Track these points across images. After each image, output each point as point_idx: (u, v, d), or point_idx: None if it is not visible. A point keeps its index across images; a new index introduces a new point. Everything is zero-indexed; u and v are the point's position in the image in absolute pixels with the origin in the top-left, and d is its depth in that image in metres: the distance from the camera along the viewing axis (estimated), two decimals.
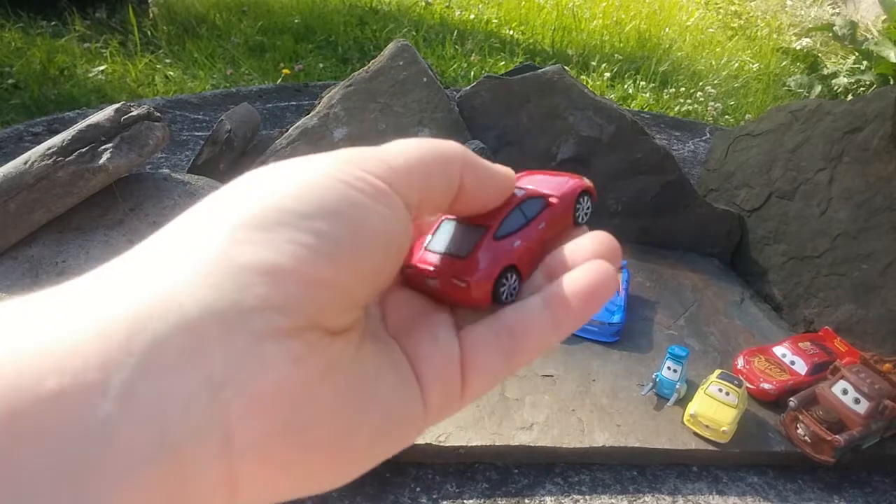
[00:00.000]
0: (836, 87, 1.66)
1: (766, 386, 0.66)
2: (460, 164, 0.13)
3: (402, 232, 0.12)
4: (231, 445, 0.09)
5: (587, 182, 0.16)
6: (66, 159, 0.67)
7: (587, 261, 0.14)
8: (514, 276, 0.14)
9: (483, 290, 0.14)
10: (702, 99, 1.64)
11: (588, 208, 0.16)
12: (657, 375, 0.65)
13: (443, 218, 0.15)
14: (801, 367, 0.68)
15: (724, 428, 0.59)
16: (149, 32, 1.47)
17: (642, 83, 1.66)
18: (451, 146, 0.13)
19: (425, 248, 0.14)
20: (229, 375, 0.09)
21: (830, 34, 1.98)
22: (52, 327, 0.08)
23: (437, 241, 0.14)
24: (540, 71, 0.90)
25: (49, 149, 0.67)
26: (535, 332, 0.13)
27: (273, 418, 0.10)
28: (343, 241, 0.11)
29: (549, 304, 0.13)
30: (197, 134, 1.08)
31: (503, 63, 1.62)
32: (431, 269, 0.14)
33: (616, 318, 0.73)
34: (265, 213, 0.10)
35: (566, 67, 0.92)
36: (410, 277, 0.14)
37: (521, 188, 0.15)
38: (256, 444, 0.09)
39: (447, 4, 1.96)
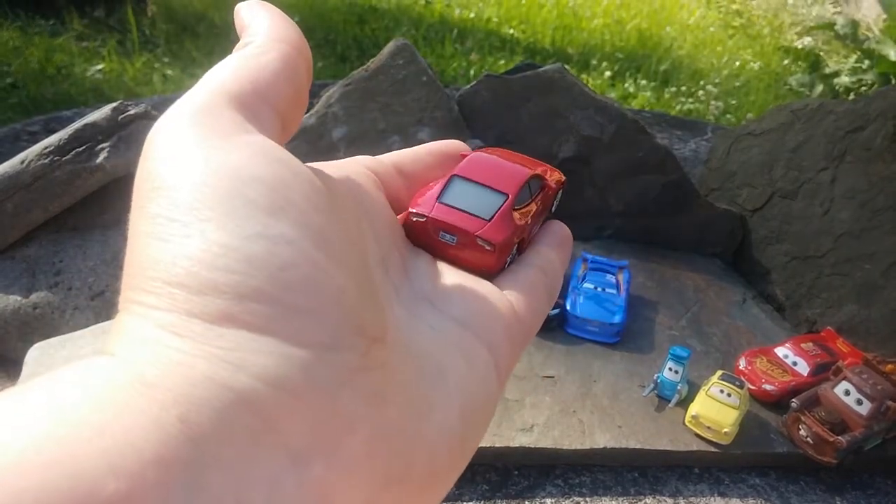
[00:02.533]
0: (837, 87, 1.65)
1: (768, 387, 0.66)
2: (307, 69, 0.12)
3: (361, 183, 0.12)
4: None
5: (560, 175, 0.17)
6: (64, 159, 0.66)
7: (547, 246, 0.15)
8: (516, 250, 0.14)
9: (503, 256, 0.13)
10: (703, 98, 1.63)
11: (557, 200, 0.16)
12: (658, 376, 0.65)
13: (453, 174, 0.14)
14: (803, 368, 0.68)
15: (725, 429, 0.59)
16: (147, 31, 1.46)
17: (643, 82, 1.66)
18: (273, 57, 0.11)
19: (438, 201, 0.14)
20: (313, 446, 0.08)
21: (832, 33, 1.97)
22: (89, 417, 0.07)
23: (452, 197, 0.14)
24: (540, 70, 0.90)
25: (46, 148, 0.67)
26: (556, 261, 0.15)
27: (372, 477, 0.08)
28: (311, 231, 0.09)
29: (542, 245, 0.15)
30: None
31: (503, 62, 1.61)
32: (454, 223, 0.13)
33: (617, 319, 0.72)
34: (225, 250, 0.08)
35: (566, 66, 0.92)
36: (417, 228, 0.13)
37: (521, 166, 0.15)
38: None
39: (447, 3, 1.96)
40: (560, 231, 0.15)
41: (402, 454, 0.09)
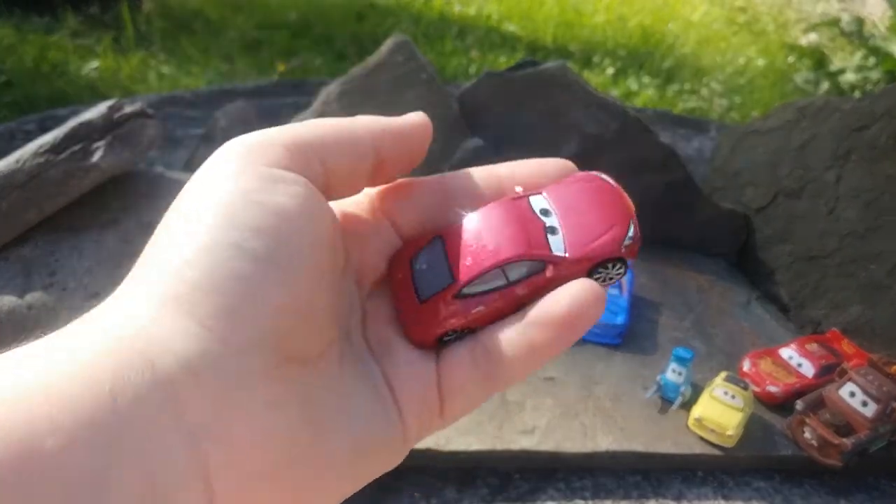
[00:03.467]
0: (843, 84, 1.63)
1: (773, 389, 0.65)
2: (371, 137, 0.13)
3: (319, 212, 0.12)
4: (212, 492, 0.09)
5: (630, 234, 0.12)
6: (58, 158, 0.65)
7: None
8: (466, 332, 0.13)
9: (424, 341, 0.13)
10: (707, 95, 1.62)
11: (619, 273, 0.13)
12: (661, 378, 0.64)
13: (437, 234, 0.13)
14: (808, 370, 0.67)
15: (729, 432, 0.58)
16: (142, 28, 1.45)
17: (646, 79, 1.64)
18: (360, 123, 0.13)
19: (409, 264, 0.13)
20: (204, 424, 0.09)
21: (837, 30, 1.95)
22: (46, 385, 0.09)
23: (420, 261, 0.13)
24: (542, 67, 0.88)
25: (41, 147, 0.66)
26: (513, 357, 0.12)
27: (251, 465, 0.10)
28: (275, 252, 0.11)
29: (528, 328, 0.12)
30: (191, 131, 1.06)
31: (504, 59, 1.60)
32: (395, 293, 0.13)
33: (620, 320, 0.72)
34: (198, 253, 0.10)
35: (568, 64, 0.90)
36: (391, 279, 0.14)
37: (542, 207, 0.13)
38: (236, 489, 0.10)
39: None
40: (558, 310, 0.12)
41: (286, 459, 0.10)
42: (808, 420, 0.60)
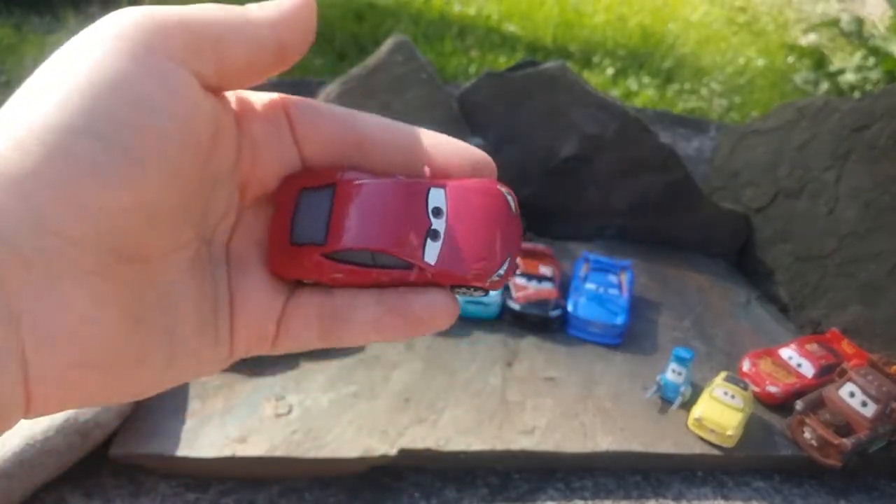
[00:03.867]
0: (843, 84, 1.64)
1: (773, 389, 0.65)
2: (269, 24, 0.12)
3: (194, 111, 0.11)
4: (27, 371, 0.10)
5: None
6: None
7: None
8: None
9: (281, 276, 0.13)
10: (707, 95, 1.62)
11: (479, 294, 0.13)
12: (661, 378, 0.64)
13: (331, 183, 0.13)
14: (807, 370, 0.67)
15: (729, 432, 0.58)
16: None
17: (646, 79, 1.65)
18: (253, 8, 0.12)
19: (296, 199, 0.13)
20: (26, 310, 0.10)
21: (837, 30, 1.96)
22: None
23: (306, 202, 0.13)
24: (542, 67, 0.88)
25: None
26: (357, 327, 0.13)
27: (67, 356, 0.10)
28: (127, 148, 0.10)
29: (380, 309, 0.13)
30: None
31: (504, 59, 1.60)
32: (273, 221, 0.13)
33: (619, 320, 0.72)
34: (44, 131, 0.10)
35: (568, 64, 0.90)
36: (276, 201, 0.13)
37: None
38: (51, 374, 0.10)
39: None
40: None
41: (102, 353, 0.10)
42: (807, 420, 0.60)
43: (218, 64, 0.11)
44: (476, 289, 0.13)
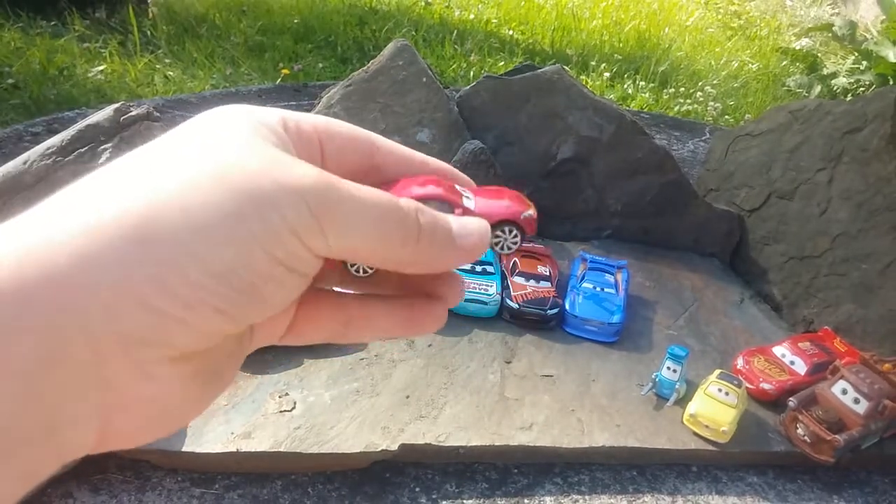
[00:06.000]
0: (835, 87, 1.66)
1: (766, 386, 0.66)
2: (414, 237, 0.13)
3: (300, 291, 0.13)
4: (103, 427, 0.11)
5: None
6: (66, 159, 0.67)
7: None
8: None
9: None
10: (701, 99, 1.64)
11: (515, 242, 0.16)
12: (657, 375, 0.65)
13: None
14: (800, 367, 0.68)
15: (723, 428, 0.59)
16: (148, 32, 1.47)
17: (642, 83, 1.66)
18: (410, 215, 0.13)
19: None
20: (119, 382, 0.11)
21: (830, 34, 1.98)
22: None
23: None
24: (539, 71, 0.90)
25: (48, 149, 0.67)
26: (367, 335, 0.15)
27: (141, 414, 0.12)
28: (241, 308, 0.11)
29: (391, 326, 0.15)
30: None
31: (503, 63, 1.62)
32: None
33: (616, 318, 0.73)
34: (175, 252, 0.11)
35: (566, 67, 0.92)
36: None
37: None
38: (120, 428, 0.11)
39: (447, 4, 1.96)
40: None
41: (170, 409, 0.12)
42: (800, 417, 0.61)
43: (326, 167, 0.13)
44: (511, 230, 0.16)
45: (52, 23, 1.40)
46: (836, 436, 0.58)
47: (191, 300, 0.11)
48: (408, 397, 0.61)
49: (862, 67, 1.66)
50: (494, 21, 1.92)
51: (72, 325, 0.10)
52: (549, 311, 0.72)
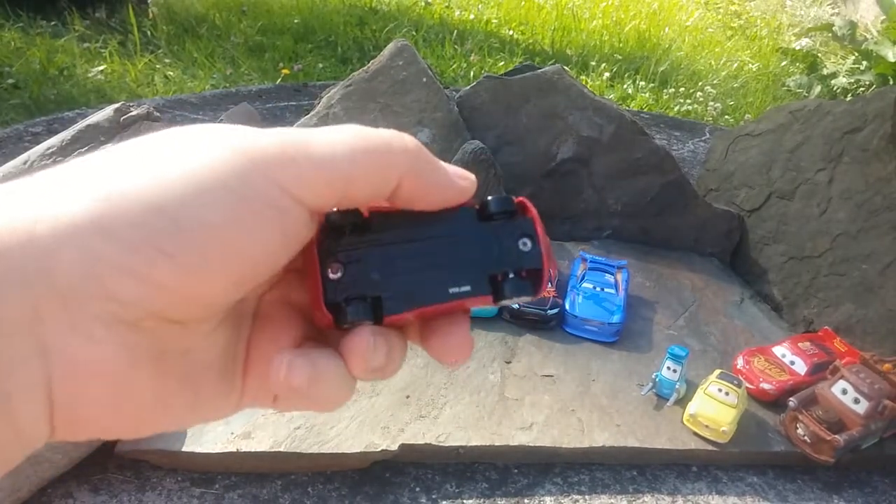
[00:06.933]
0: (835, 88, 1.66)
1: (766, 386, 0.66)
2: (399, 172, 0.12)
3: (288, 246, 0.12)
4: (52, 401, 0.10)
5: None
6: (66, 159, 0.67)
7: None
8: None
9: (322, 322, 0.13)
10: (701, 99, 1.64)
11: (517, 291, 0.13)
12: (657, 375, 0.65)
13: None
14: (800, 367, 0.68)
15: (723, 428, 0.59)
16: (148, 32, 1.47)
17: (642, 83, 1.66)
18: (395, 147, 0.12)
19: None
20: (57, 345, 0.10)
21: (830, 34, 1.98)
22: None
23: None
24: (539, 71, 0.90)
25: (48, 149, 0.67)
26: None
27: (88, 389, 0.11)
28: (212, 261, 0.11)
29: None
30: None
31: (503, 63, 1.62)
32: (307, 268, 0.13)
33: (616, 318, 0.73)
34: (139, 205, 0.10)
35: (565, 67, 0.92)
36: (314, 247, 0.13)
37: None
38: (71, 402, 0.11)
39: (447, 4, 1.97)
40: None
41: (122, 389, 0.11)
42: (800, 417, 0.61)
43: (339, 201, 0.12)
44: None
45: (52, 23, 1.40)
46: (836, 436, 0.58)
47: (134, 240, 0.10)
48: (408, 397, 0.61)
49: (862, 67, 1.66)
50: (494, 21, 1.92)
51: (10, 282, 0.09)
52: (549, 311, 0.72)
